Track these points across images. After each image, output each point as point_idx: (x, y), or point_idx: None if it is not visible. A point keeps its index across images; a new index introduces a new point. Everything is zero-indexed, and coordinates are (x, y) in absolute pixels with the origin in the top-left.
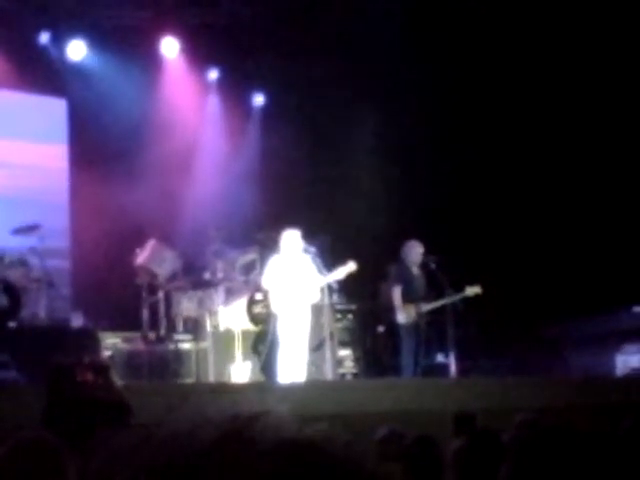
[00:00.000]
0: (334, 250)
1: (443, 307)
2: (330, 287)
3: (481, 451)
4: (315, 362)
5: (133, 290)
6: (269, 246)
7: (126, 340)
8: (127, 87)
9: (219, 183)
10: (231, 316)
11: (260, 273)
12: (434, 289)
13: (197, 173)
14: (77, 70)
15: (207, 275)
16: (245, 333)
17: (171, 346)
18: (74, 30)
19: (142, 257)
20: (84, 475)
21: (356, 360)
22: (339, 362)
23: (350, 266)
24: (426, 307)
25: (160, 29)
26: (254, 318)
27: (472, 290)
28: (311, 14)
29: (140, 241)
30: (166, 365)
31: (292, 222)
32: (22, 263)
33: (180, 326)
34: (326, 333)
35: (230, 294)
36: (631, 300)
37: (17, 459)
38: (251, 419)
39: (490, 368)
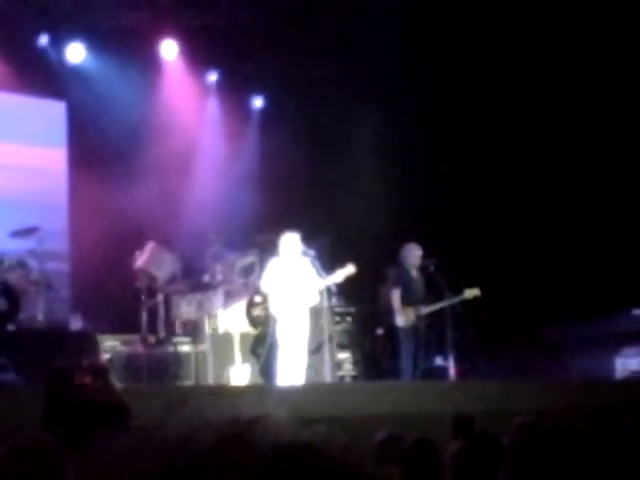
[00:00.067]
0: (333, 253)
1: (442, 310)
2: (329, 290)
3: (480, 454)
4: (314, 365)
5: (132, 293)
6: (268, 249)
7: (125, 343)
8: (126, 89)
9: (218, 185)
10: (230, 319)
11: (259, 276)
12: (433, 292)
13: (196, 175)
14: (76, 73)
15: (206, 278)
16: (244, 336)
17: (170, 349)
18: (73, 33)
19: (141, 260)
20: (83, 477)
21: (355, 363)
22: (338, 365)
23: (349, 269)
24: (425, 310)
25: (159, 31)
26: (253, 321)
27: (471, 292)
28: (310, 16)
29: (139, 244)
30: (165, 368)
31: (291, 225)
32: (21, 265)
33: (179, 329)
34: (325, 336)
35: (229, 297)
36: (630, 303)
37: (16, 461)
38: (250, 422)
39: (489, 371)
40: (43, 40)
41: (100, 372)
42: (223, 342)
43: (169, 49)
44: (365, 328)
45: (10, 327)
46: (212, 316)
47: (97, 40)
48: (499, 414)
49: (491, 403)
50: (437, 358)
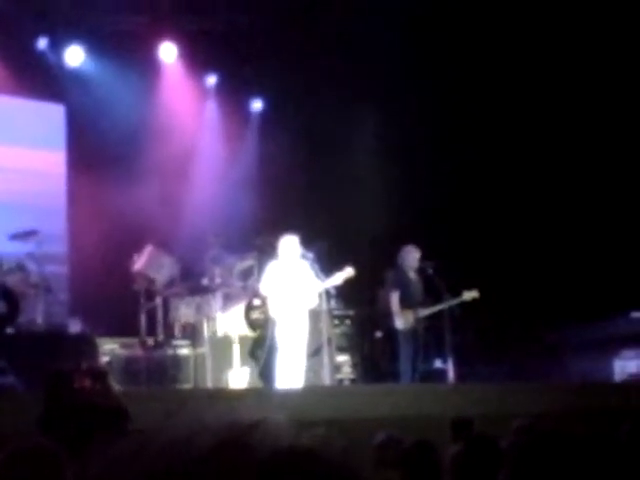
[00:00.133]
0: (332, 255)
1: (441, 312)
2: (328, 293)
3: (479, 457)
4: (313, 368)
5: (131, 296)
6: (267, 252)
7: (124, 346)
8: (125, 92)
9: (217, 188)
10: (229, 322)
11: (258, 279)
12: (431, 294)
13: (195, 178)
14: (75, 76)
15: (205, 281)
16: (243, 339)
17: (169, 352)
18: (72, 36)
19: (140, 263)
20: None
21: (354, 366)
22: (337, 368)
23: (348, 271)
24: (424, 312)
25: (158, 34)
26: (252, 324)
27: (469, 294)
28: (309, 19)
29: (138, 247)
30: (164, 371)
31: (290, 228)
32: (20, 268)
33: (178, 332)
34: (324, 339)
35: (228, 300)
36: (629, 306)
37: (15, 465)
38: (249, 426)
39: (488, 374)
40: (42, 43)
41: (99, 375)
42: (222, 345)
43: (168, 52)
44: (364, 331)
45: (9, 330)
46: (211, 319)
47: (96, 43)
48: (498, 417)
49: (490, 406)
50: (436, 361)
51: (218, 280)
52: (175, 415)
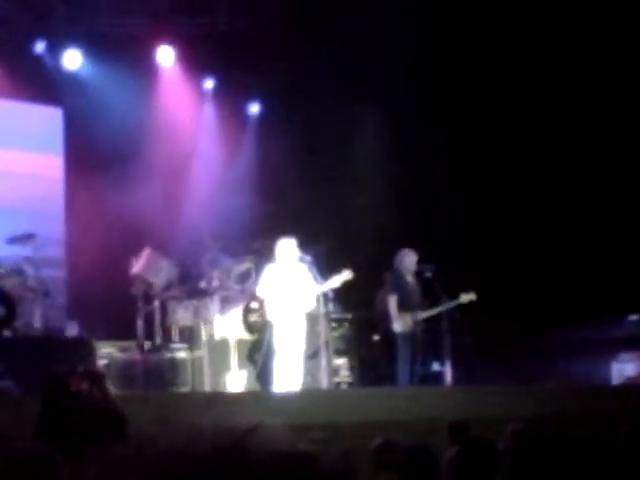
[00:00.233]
0: (330, 258)
1: (439, 315)
2: (326, 296)
3: (476, 460)
4: (310, 371)
5: (128, 299)
6: (265, 255)
7: (122, 349)
8: (123, 96)
9: (215, 192)
10: (227, 325)
11: (256, 282)
12: (429, 297)
13: (193, 182)
14: (73, 79)
15: (203, 284)
16: (241, 342)
17: (167, 355)
18: (70, 39)
19: (137, 266)
20: None
21: (351, 369)
22: (334, 371)
23: (346, 275)
24: (422, 315)
25: (156, 38)
26: (250, 327)
27: (467, 297)
28: (306, 23)
29: (136, 250)
30: (161, 374)
31: (288, 231)
32: (17, 272)
33: (176, 335)
34: (321, 342)
35: (226, 303)
36: (626, 309)
37: (11, 468)
38: (246, 431)
39: (485, 376)
40: (40, 47)
41: (96, 379)
42: (219, 348)
43: (166, 55)
44: (362, 334)
45: (6, 334)
46: (208, 322)
47: (94, 46)
48: (496, 420)
49: (488, 409)
50: (434, 364)
51: (216, 283)
52: (173, 419)
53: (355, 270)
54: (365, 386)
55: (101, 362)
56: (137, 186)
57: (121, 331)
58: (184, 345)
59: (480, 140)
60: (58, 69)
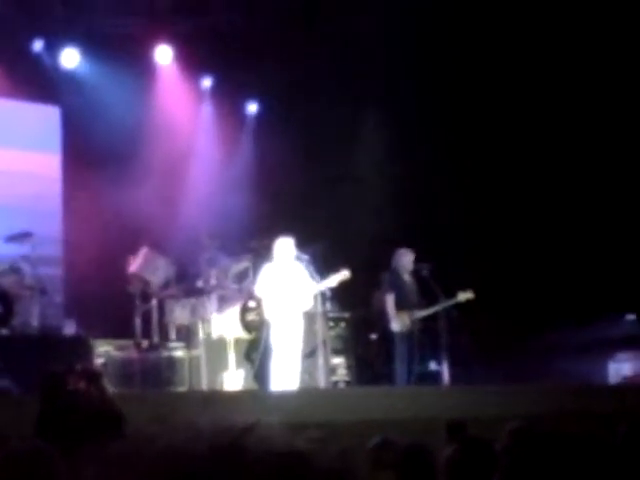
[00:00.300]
0: (327, 257)
1: (436, 314)
2: (323, 295)
3: (473, 459)
4: (308, 370)
5: (126, 298)
6: (262, 254)
7: (119, 348)
8: (120, 95)
9: (213, 191)
10: (224, 324)
11: (253, 281)
12: (426, 296)
13: (190, 181)
14: (70, 78)
15: (200, 283)
16: (238, 341)
17: (164, 354)
18: (67, 38)
19: (135, 265)
20: None
21: (349, 368)
22: (332, 370)
23: (343, 274)
24: (419, 314)
25: (154, 37)
26: (247, 326)
27: (464, 296)
28: (305, 21)
29: (133, 249)
30: (159, 373)
31: (285, 230)
32: (15, 271)
33: (173, 334)
34: (319, 341)
35: (223, 302)
36: (624, 308)
37: (10, 467)
38: (244, 430)
39: (483, 376)
40: (38, 45)
41: (94, 377)
42: (217, 347)
43: (164, 54)
44: (359, 333)
45: (4, 332)
46: (206, 321)
47: (92, 45)
48: (493, 419)
49: (486, 408)
50: (431, 363)
51: (213, 282)
52: (170, 418)
53: (352, 269)
54: (362, 385)
55: (98, 361)
56: (135, 185)
57: (118, 329)
58: (181, 344)
59: (480, 140)
60: (56, 68)
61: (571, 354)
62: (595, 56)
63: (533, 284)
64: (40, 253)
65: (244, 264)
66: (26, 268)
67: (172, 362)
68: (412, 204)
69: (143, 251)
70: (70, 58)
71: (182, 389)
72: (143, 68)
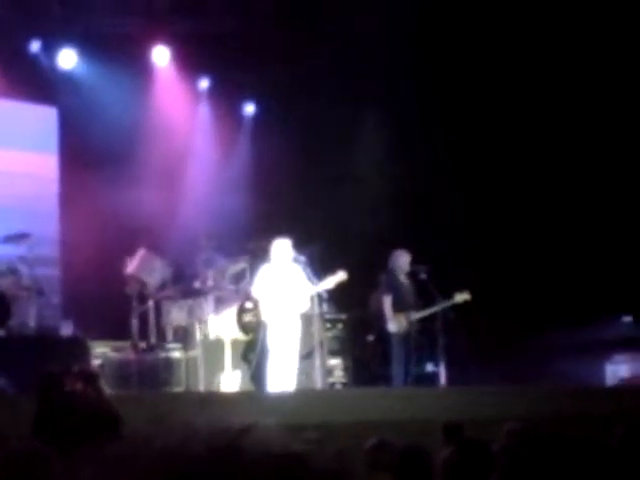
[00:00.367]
0: (324, 259)
1: (433, 315)
2: (320, 296)
3: (470, 461)
4: (305, 371)
5: (123, 299)
6: (259, 255)
7: (116, 349)
8: (118, 95)
9: (210, 192)
10: (221, 325)
11: (250, 282)
12: (423, 297)
13: (188, 182)
14: (68, 78)
15: (197, 284)
16: (235, 342)
17: (161, 355)
18: (65, 39)
19: (132, 266)
20: None
21: (346, 369)
22: (329, 371)
23: (340, 275)
24: (416, 315)
25: (151, 37)
26: (244, 327)
27: (461, 296)
28: (302, 23)
29: (130, 250)
30: (156, 374)
31: (283, 231)
32: (12, 271)
33: (170, 335)
34: (316, 342)
35: (220, 303)
36: (620, 310)
37: (6, 468)
38: (240, 431)
39: (480, 377)
40: (35, 46)
41: (90, 378)
42: (214, 348)
43: (161, 55)
44: (356, 334)
45: (1, 333)
46: (203, 322)
47: (89, 46)
48: (490, 421)
49: (483, 409)
50: (428, 364)
51: (210, 283)
52: (167, 418)
53: (350, 270)
54: (359, 386)
55: (95, 362)
56: (132, 186)
57: (115, 331)
58: (178, 345)
59: (480, 140)
60: (53, 68)
61: (568, 355)
62: (595, 56)
63: (530, 285)
64: (37, 254)
65: (241, 265)
66: (23, 269)
67: (169, 363)
68: (412, 204)
69: (140, 252)
70: (67, 58)
71: (179, 390)
72: (140, 69)
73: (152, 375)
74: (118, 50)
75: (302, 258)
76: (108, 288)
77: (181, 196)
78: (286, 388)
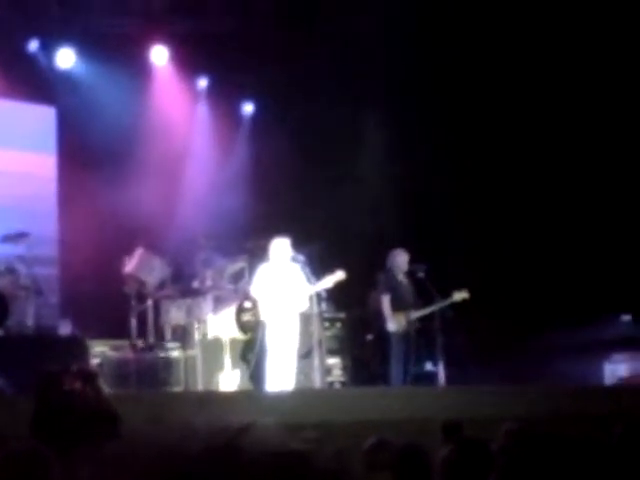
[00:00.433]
0: (323, 258)
1: (432, 315)
2: (319, 295)
3: (469, 460)
4: (303, 370)
5: (121, 298)
6: (258, 254)
7: (114, 348)
8: (116, 95)
9: (208, 191)
10: (220, 324)
11: (249, 281)
12: (422, 296)
13: (186, 181)
14: (66, 78)
15: (196, 283)
16: (234, 341)
17: (160, 354)
18: (63, 38)
19: (130, 265)
20: None
21: (344, 368)
22: (327, 370)
23: (339, 275)
24: (415, 314)
25: (149, 37)
26: (243, 326)
27: (460, 295)
28: (301, 22)
29: (129, 249)
30: (155, 373)
31: (281, 230)
32: (10, 271)
33: (169, 334)
34: (314, 341)
35: (219, 302)
36: (619, 309)
37: (4, 468)
38: (239, 430)
39: (479, 376)
40: (33, 45)
41: (89, 377)
42: (213, 348)
43: (159, 55)
44: (355, 333)
45: None
46: (202, 322)
47: (87, 46)
48: (489, 420)
49: (481, 409)
50: (427, 363)
51: (209, 283)
52: (166, 418)
53: (349, 270)
54: (358, 386)
55: (94, 361)
56: (130, 185)
57: (114, 330)
58: (177, 344)
59: (480, 140)
60: (51, 68)
61: (567, 355)
62: (595, 56)
63: (529, 285)
64: (36, 253)
65: (240, 264)
66: (22, 268)
67: (168, 363)
68: (412, 204)
69: (139, 251)
70: (66, 58)
71: (178, 390)
72: (139, 68)
73: (151, 374)
74: (116, 50)
75: (301, 257)
76: (107, 287)
77: (180, 195)
78: (285, 387)
